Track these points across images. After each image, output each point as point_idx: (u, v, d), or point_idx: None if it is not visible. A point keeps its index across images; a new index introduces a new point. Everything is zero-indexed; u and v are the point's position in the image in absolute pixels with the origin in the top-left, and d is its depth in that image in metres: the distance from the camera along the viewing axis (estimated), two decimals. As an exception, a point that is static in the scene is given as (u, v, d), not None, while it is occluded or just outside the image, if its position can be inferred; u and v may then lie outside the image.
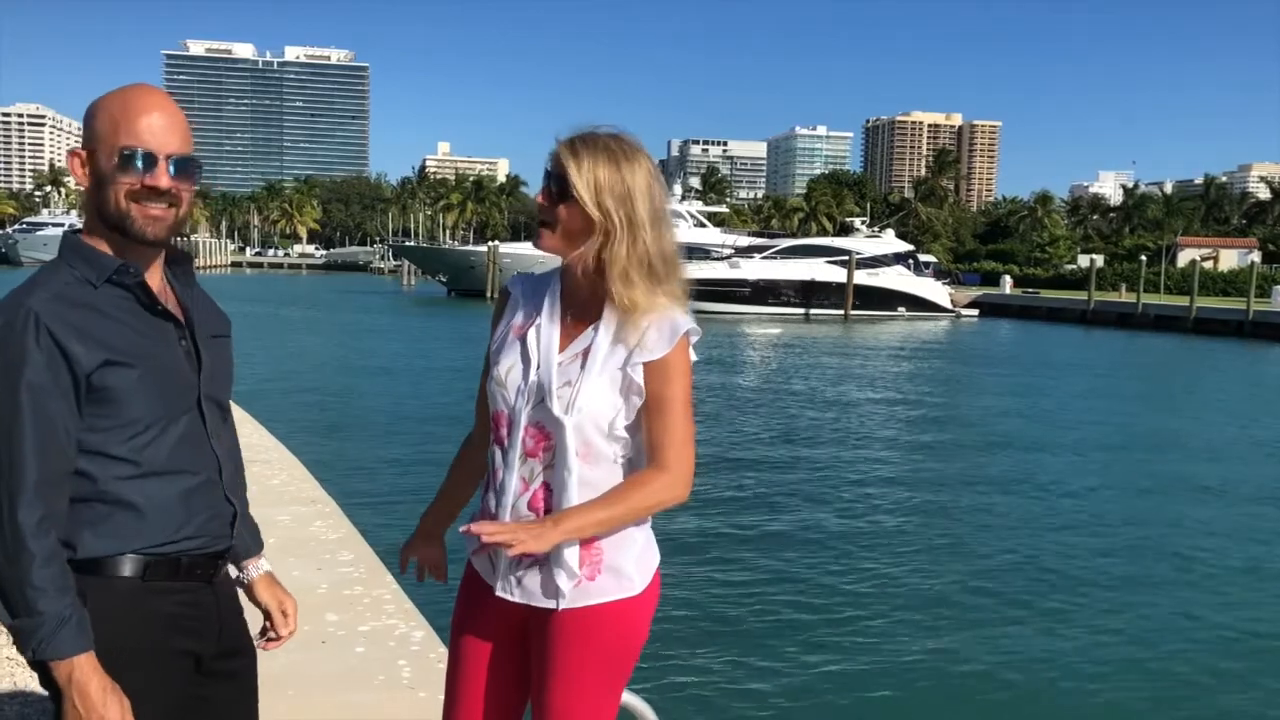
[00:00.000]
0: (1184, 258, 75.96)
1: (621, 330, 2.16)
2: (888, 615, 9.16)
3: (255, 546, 2.34)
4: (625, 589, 2.21)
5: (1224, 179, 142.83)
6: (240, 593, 2.29)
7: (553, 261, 2.29)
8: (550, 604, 2.20)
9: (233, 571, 2.28)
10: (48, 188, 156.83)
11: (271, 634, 2.32)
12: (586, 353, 2.17)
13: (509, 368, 2.21)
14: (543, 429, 2.16)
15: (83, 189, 2.01)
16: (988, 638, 8.71)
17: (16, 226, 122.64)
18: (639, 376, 2.15)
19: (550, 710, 2.22)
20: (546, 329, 2.21)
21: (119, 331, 1.93)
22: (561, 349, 2.20)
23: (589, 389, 2.14)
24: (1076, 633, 8.91)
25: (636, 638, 2.26)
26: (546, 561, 2.17)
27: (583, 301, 2.23)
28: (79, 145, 2.02)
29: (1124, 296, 61.54)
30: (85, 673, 1.84)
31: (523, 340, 2.23)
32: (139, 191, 1.94)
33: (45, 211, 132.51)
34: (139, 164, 1.94)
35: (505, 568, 2.22)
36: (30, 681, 4.06)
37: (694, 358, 2.22)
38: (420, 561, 2.53)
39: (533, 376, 2.18)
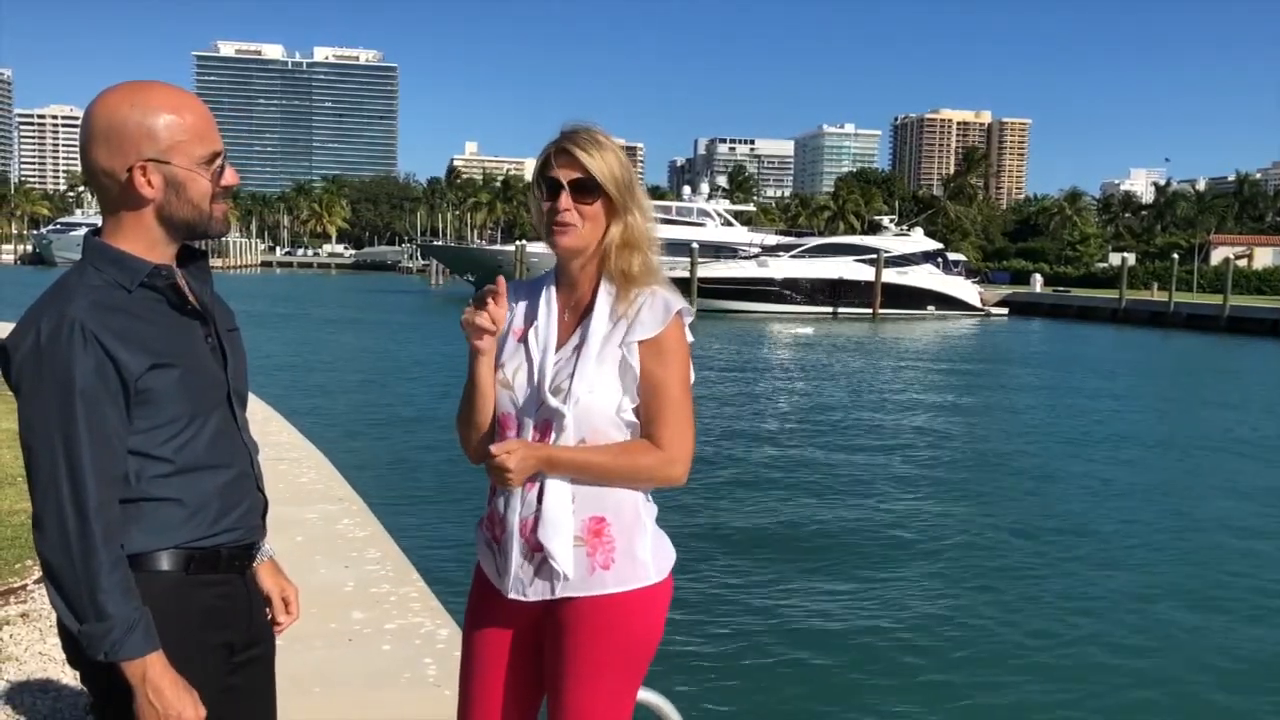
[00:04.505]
0: (1217, 256, 74.98)
1: (615, 311, 2.21)
2: (910, 608, 9.10)
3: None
4: (642, 577, 2.24)
5: (1258, 175, 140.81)
6: None
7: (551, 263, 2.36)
8: (565, 593, 2.21)
9: None
10: (81, 188, 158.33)
11: (271, 621, 2.32)
12: (582, 344, 2.22)
13: (515, 369, 2.26)
14: (549, 425, 2.20)
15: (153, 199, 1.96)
16: (1012, 636, 8.65)
17: (51, 227, 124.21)
18: (634, 356, 2.19)
19: (568, 702, 2.23)
20: (544, 328, 2.27)
21: (157, 334, 1.96)
22: (560, 345, 2.25)
23: (587, 378, 2.18)
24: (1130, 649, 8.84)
25: (653, 630, 2.28)
26: (548, 553, 2.20)
27: (578, 299, 2.29)
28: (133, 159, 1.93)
29: (1156, 295, 60.85)
30: (158, 671, 1.89)
31: (524, 342, 2.28)
32: (219, 192, 2.03)
33: (79, 212, 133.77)
34: (224, 166, 2.02)
35: (515, 569, 2.24)
36: (62, 677, 4.11)
37: (690, 338, 2.25)
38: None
39: (536, 374, 2.23)
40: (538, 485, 2.20)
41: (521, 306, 2.35)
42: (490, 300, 2.18)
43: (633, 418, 2.22)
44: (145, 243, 2.00)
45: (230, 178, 2.04)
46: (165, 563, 1.98)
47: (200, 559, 2.02)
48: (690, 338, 2.26)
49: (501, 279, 2.24)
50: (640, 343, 2.19)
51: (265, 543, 2.31)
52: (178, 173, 1.96)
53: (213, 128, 2.01)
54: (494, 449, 2.16)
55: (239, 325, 2.24)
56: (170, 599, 1.97)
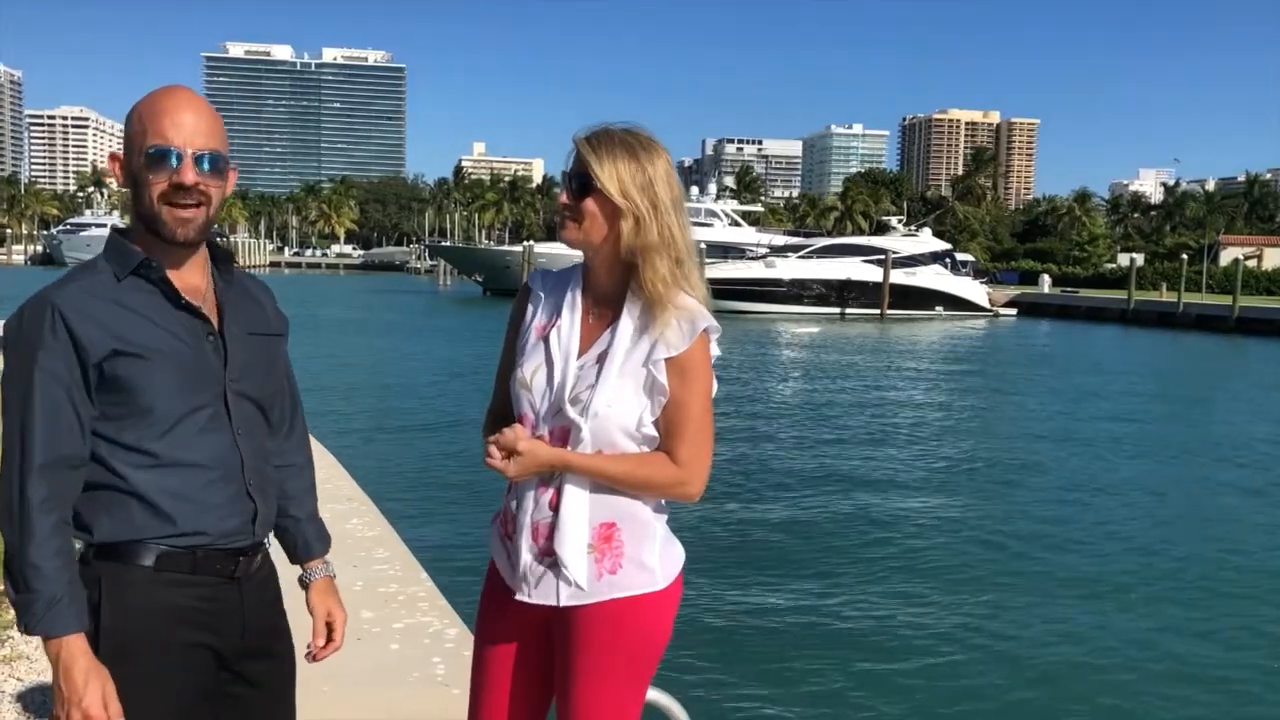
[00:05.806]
0: (1227, 256, 74.77)
1: (642, 325, 2.18)
2: (921, 607, 9.09)
3: (318, 548, 2.33)
4: (648, 583, 2.22)
5: (1268, 176, 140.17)
6: (286, 595, 2.30)
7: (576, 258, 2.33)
8: (572, 601, 2.20)
9: (295, 570, 2.33)
10: (90, 189, 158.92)
11: (310, 648, 2.29)
12: (605, 355, 2.18)
13: (534, 369, 2.23)
14: (566, 434, 2.18)
15: (124, 190, 2.07)
16: (1023, 637, 8.63)
17: (61, 227, 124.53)
18: (662, 374, 2.16)
19: (574, 707, 2.23)
20: (567, 331, 2.24)
21: (135, 324, 1.96)
22: (582, 351, 2.22)
23: (607, 392, 2.15)
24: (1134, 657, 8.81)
25: (660, 635, 2.26)
26: (560, 561, 2.18)
27: (604, 301, 2.25)
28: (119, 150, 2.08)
29: (1165, 296, 60.69)
30: (72, 654, 1.87)
31: (546, 341, 2.25)
32: (167, 191, 1.96)
33: (88, 212, 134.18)
34: (164, 162, 1.96)
35: (524, 569, 2.22)
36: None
37: (716, 352, 2.23)
38: None
39: (556, 379, 2.20)
40: (553, 490, 2.18)
41: (546, 300, 2.32)
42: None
43: (652, 431, 2.19)
44: (144, 237, 2.03)
45: (183, 175, 1.96)
46: (136, 557, 1.97)
47: (170, 558, 1.99)
48: (717, 352, 2.23)
49: (516, 434, 2.17)
50: (665, 360, 2.16)
51: (322, 560, 2.30)
52: (132, 166, 2.01)
53: (179, 126, 1.96)
54: (493, 439, 2.16)
55: (282, 331, 2.24)
56: (139, 595, 1.96)
